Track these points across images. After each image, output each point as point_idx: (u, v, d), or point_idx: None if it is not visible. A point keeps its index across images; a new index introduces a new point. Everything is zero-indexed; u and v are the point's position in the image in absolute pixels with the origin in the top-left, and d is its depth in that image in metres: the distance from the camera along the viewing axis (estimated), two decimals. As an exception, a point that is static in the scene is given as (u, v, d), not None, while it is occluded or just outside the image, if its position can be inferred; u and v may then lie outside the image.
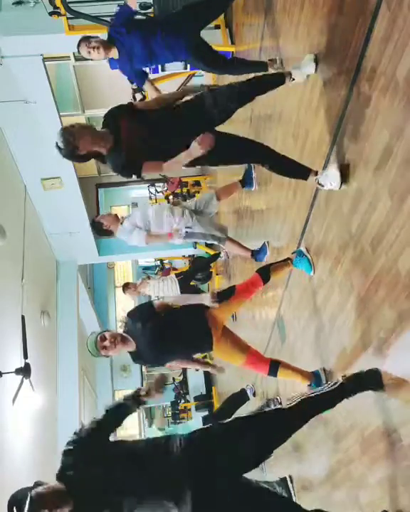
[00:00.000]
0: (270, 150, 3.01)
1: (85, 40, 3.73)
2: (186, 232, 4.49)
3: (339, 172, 2.57)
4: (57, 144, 2.72)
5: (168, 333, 3.15)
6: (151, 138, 2.86)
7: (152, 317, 3.19)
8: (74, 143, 2.70)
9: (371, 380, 2.35)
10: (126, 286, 6.45)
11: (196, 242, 8.72)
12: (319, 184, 2.75)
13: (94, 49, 3.68)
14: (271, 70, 3.63)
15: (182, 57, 3.92)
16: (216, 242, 4.64)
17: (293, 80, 3.04)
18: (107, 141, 2.80)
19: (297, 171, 2.97)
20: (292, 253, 3.46)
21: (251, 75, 3.34)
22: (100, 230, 4.72)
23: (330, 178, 2.63)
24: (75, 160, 2.91)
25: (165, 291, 6.69)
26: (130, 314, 3.30)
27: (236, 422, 2.39)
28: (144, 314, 3.22)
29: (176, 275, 6.72)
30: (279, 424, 2.35)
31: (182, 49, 3.72)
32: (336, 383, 2.43)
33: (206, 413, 10.96)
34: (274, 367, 3.27)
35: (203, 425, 4.65)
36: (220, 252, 7.81)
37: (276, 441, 2.38)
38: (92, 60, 3.84)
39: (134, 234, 4.63)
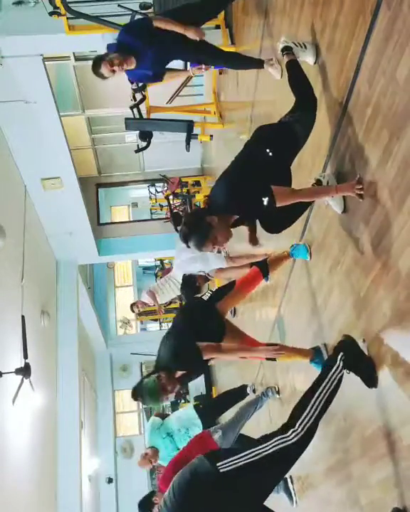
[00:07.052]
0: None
1: (104, 60, 3.42)
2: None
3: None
4: None
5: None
6: None
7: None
8: None
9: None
10: (134, 305, 6.53)
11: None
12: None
13: (118, 66, 3.42)
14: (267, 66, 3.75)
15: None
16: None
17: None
18: None
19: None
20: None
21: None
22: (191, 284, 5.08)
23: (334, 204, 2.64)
24: None
25: (169, 292, 6.79)
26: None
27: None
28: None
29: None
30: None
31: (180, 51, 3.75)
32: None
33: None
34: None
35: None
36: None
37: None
38: (111, 76, 3.53)
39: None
